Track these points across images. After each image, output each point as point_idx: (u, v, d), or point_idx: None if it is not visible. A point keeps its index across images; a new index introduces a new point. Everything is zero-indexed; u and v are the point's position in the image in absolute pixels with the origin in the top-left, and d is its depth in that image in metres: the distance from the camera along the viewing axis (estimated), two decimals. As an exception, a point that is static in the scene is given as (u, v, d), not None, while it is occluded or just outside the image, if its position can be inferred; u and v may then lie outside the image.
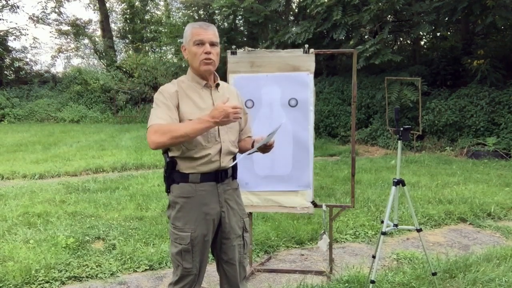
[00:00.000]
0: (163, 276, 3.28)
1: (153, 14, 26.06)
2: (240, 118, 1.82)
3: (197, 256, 1.99)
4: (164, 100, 1.93)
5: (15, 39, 22.86)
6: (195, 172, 1.96)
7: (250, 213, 3.18)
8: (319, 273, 3.32)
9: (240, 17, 13.96)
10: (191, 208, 1.97)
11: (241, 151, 2.16)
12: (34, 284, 3.09)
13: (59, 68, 30.14)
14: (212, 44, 1.96)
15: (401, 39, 14.14)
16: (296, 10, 15.34)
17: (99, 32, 25.04)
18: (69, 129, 14.54)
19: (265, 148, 2.01)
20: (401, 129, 2.72)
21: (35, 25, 23.99)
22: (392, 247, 3.93)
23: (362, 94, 11.98)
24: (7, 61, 21.29)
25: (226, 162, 2.03)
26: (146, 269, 3.39)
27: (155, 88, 19.22)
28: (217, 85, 2.07)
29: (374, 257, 2.88)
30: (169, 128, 1.81)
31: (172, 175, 2.00)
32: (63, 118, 18.00)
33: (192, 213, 1.97)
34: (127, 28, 25.29)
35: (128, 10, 24.58)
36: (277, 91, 3.13)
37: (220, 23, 14.45)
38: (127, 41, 25.91)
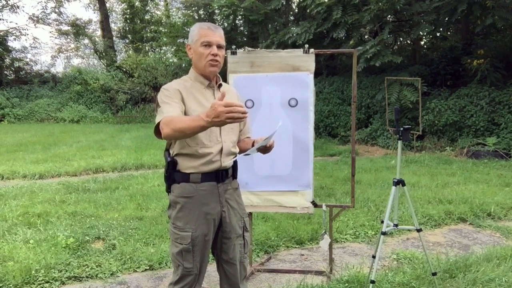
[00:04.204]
0: (163, 276, 3.28)
1: (153, 14, 26.08)
2: (241, 120, 1.60)
3: (197, 256, 1.99)
4: (170, 95, 1.93)
5: (15, 39, 22.91)
6: (196, 172, 1.96)
7: (250, 213, 3.18)
8: (319, 273, 3.31)
9: (240, 17, 13.96)
10: (191, 208, 1.98)
11: (241, 151, 2.16)
12: (34, 284, 3.09)
13: (59, 68, 30.14)
14: (219, 47, 1.97)
15: (401, 39, 14.14)
16: (296, 10, 15.35)
17: (99, 32, 25.06)
18: (69, 129, 14.54)
19: (266, 149, 2.02)
20: (401, 129, 2.72)
21: (35, 25, 23.97)
22: (392, 247, 3.93)
23: (362, 94, 11.99)
24: (7, 61, 21.30)
25: (227, 162, 2.03)
26: (146, 269, 3.39)
27: (155, 88, 19.25)
28: (219, 86, 2.08)
29: (374, 257, 2.88)
30: (171, 119, 1.74)
31: (172, 175, 2.00)
32: (63, 118, 18.01)
33: (192, 213, 1.98)
34: (127, 28, 25.31)
35: (128, 10, 24.60)
36: (277, 91, 3.13)
37: (220, 23, 14.46)
38: (127, 41, 25.93)
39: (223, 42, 1.99)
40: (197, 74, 2.03)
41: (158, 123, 1.82)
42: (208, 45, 1.95)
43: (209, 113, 1.58)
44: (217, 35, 1.96)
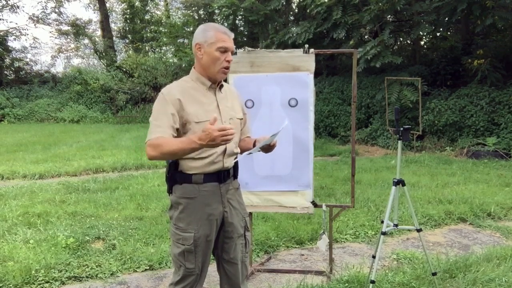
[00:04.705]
0: (163, 276, 3.28)
1: (153, 14, 26.06)
2: (229, 141, 1.72)
3: (199, 257, 1.99)
4: (165, 108, 1.90)
5: (15, 39, 22.88)
6: (198, 173, 1.96)
7: (250, 213, 3.17)
8: (319, 273, 3.32)
9: (240, 17, 13.97)
10: (194, 208, 1.97)
11: (241, 150, 2.16)
12: (34, 284, 3.09)
13: (59, 68, 30.08)
14: (232, 52, 2.00)
15: (401, 39, 14.14)
16: (296, 10, 15.36)
17: (99, 32, 25.03)
18: (69, 129, 14.54)
19: (268, 147, 2.02)
20: (401, 129, 2.72)
21: (35, 25, 23.94)
22: (392, 247, 3.93)
23: (362, 94, 11.98)
24: (7, 61, 21.28)
25: (229, 163, 2.03)
26: (146, 269, 3.39)
27: (155, 88, 19.23)
28: (221, 87, 2.07)
29: (374, 257, 2.88)
30: (159, 143, 1.81)
31: (174, 176, 1.99)
32: (63, 118, 18.00)
33: (195, 214, 1.97)
34: (127, 28, 25.29)
35: (128, 10, 24.58)
36: (277, 91, 3.13)
37: (220, 23, 14.46)
38: (127, 41, 25.91)
39: (234, 48, 2.03)
40: (199, 75, 2.01)
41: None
42: (225, 51, 1.95)
43: (202, 137, 1.69)
44: (232, 41, 1.99)
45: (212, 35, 1.94)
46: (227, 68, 1.98)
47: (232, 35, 2.01)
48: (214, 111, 1.97)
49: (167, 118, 1.88)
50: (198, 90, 2.00)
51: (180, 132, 1.94)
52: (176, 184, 1.99)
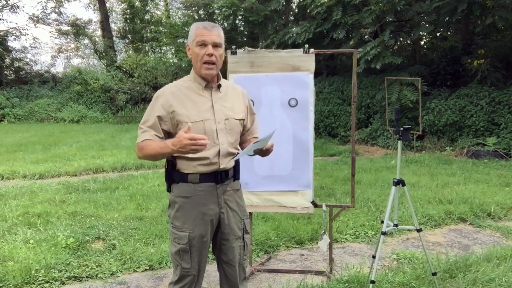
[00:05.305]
0: (163, 276, 3.28)
1: (153, 14, 26.06)
2: (202, 149, 1.77)
3: (195, 257, 1.99)
4: (153, 111, 1.96)
5: (15, 39, 22.89)
6: (194, 172, 1.96)
7: (250, 213, 3.17)
8: (319, 273, 3.32)
9: (240, 17, 13.97)
10: (189, 208, 1.97)
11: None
12: (34, 284, 3.09)
13: (59, 68, 30.08)
14: (216, 46, 1.92)
15: (401, 39, 14.14)
16: (296, 10, 15.35)
17: (99, 32, 25.04)
18: (69, 129, 14.54)
19: (263, 151, 2.00)
20: (401, 129, 2.72)
21: (35, 25, 23.95)
22: (392, 247, 3.93)
23: (362, 94, 11.99)
24: (7, 61, 21.28)
25: (226, 164, 2.01)
26: (146, 269, 3.39)
27: (155, 88, 19.22)
28: (219, 86, 2.04)
29: (374, 257, 2.88)
30: (143, 145, 1.93)
31: (172, 175, 2.00)
32: (63, 118, 18.00)
33: (190, 213, 1.97)
34: (127, 28, 25.29)
35: (128, 10, 24.57)
36: (277, 91, 3.13)
37: (220, 23, 14.46)
38: (127, 41, 25.91)
39: (219, 41, 1.93)
40: (196, 75, 2.01)
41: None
42: (203, 44, 1.91)
43: (175, 142, 1.78)
44: (213, 33, 1.91)
45: (193, 33, 1.95)
46: (209, 63, 1.92)
47: (214, 28, 1.93)
48: (207, 111, 1.96)
49: (154, 121, 1.95)
50: (193, 90, 1.99)
51: (172, 132, 1.97)
52: (174, 183, 2.00)
